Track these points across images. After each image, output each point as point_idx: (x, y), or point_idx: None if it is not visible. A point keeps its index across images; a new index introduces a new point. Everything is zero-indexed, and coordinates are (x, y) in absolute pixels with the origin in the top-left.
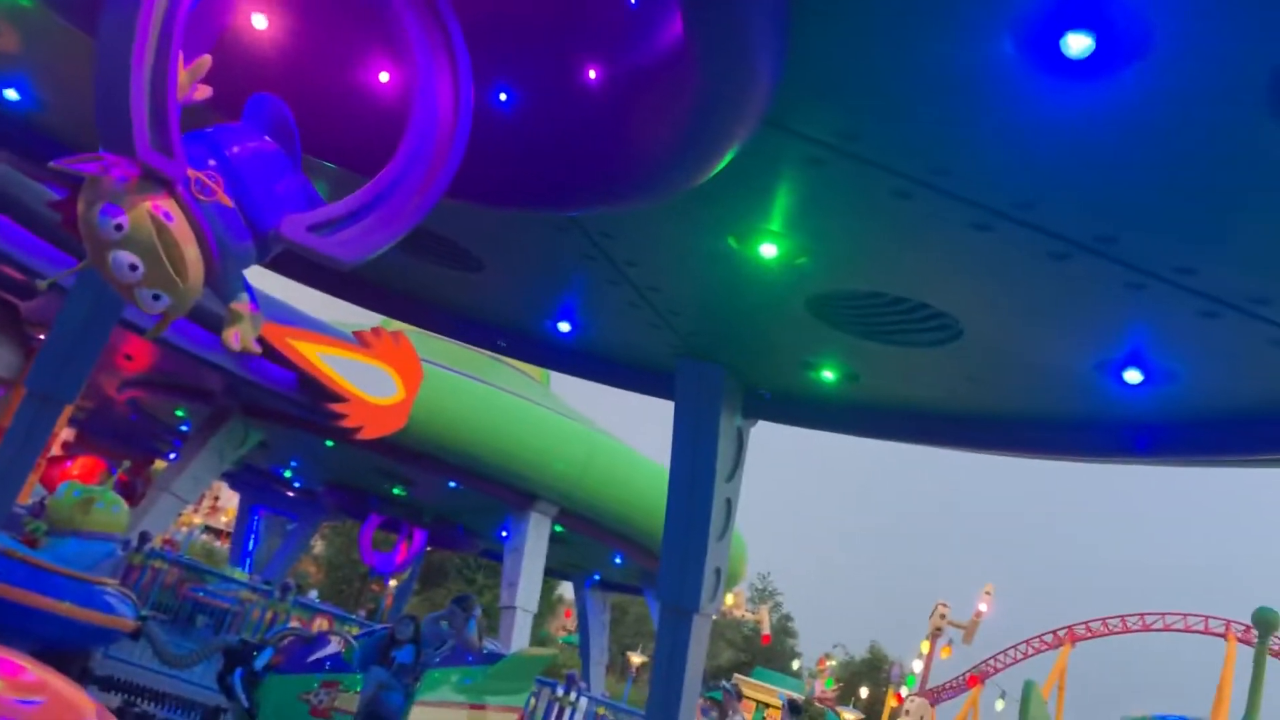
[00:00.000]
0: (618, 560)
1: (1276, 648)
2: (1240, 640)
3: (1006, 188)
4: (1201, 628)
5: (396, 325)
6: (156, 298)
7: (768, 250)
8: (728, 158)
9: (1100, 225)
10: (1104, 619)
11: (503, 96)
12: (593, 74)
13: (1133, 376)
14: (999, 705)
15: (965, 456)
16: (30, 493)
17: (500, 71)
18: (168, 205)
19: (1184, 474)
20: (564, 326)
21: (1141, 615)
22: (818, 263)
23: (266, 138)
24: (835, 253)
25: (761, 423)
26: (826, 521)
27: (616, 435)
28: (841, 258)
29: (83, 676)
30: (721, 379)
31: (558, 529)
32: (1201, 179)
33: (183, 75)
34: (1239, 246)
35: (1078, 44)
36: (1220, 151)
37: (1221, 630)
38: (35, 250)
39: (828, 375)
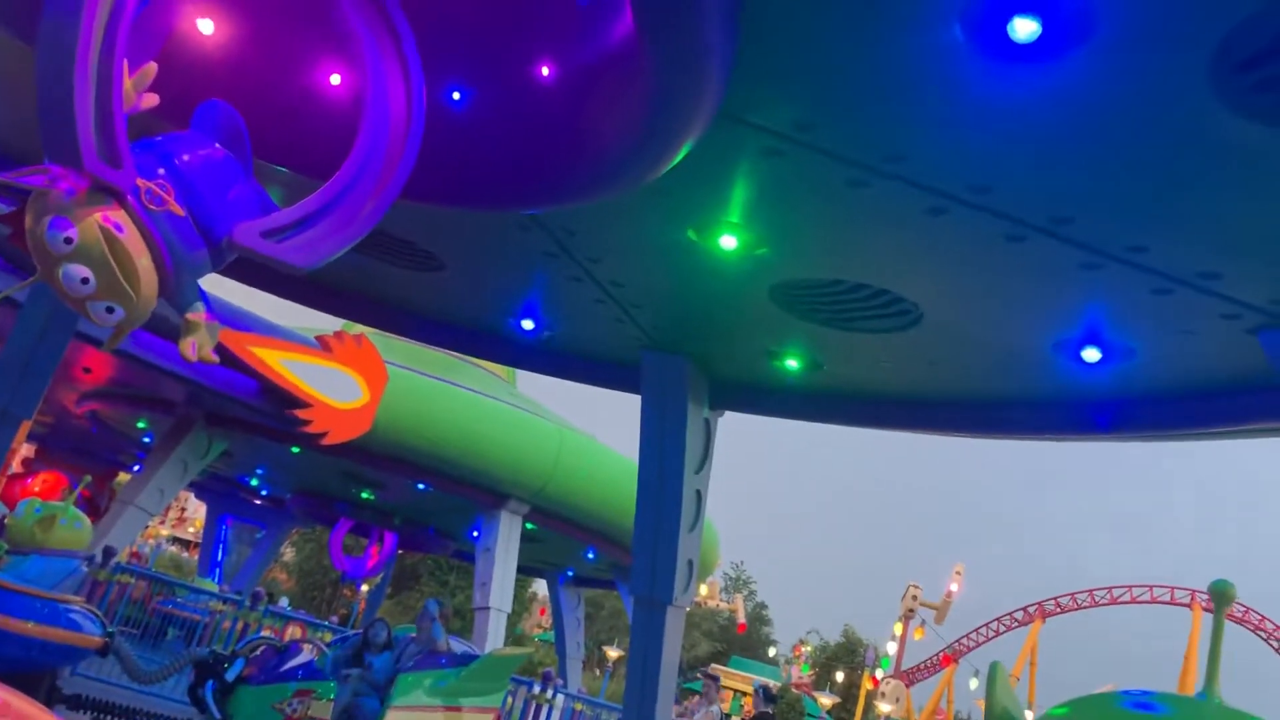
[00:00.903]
0: (590, 556)
1: (1239, 614)
2: (1205, 609)
3: (961, 173)
4: (1168, 599)
5: (359, 328)
6: (110, 310)
7: (727, 242)
8: (684, 151)
9: (1054, 207)
10: (1073, 594)
11: (456, 96)
12: (546, 71)
13: (1091, 355)
14: (973, 683)
15: (930, 439)
16: None
17: (452, 71)
18: (118, 216)
19: (1145, 448)
20: (528, 324)
21: (1109, 589)
22: (778, 252)
23: (216, 144)
24: (794, 242)
25: (729, 413)
26: (797, 509)
27: (585, 431)
28: (801, 247)
29: (50, 696)
30: (687, 371)
31: (529, 527)
32: (1150, 159)
33: (128, 84)
34: (1189, 224)
35: (1025, 28)
36: (1167, 131)
37: (1187, 601)
38: None
39: (792, 364)
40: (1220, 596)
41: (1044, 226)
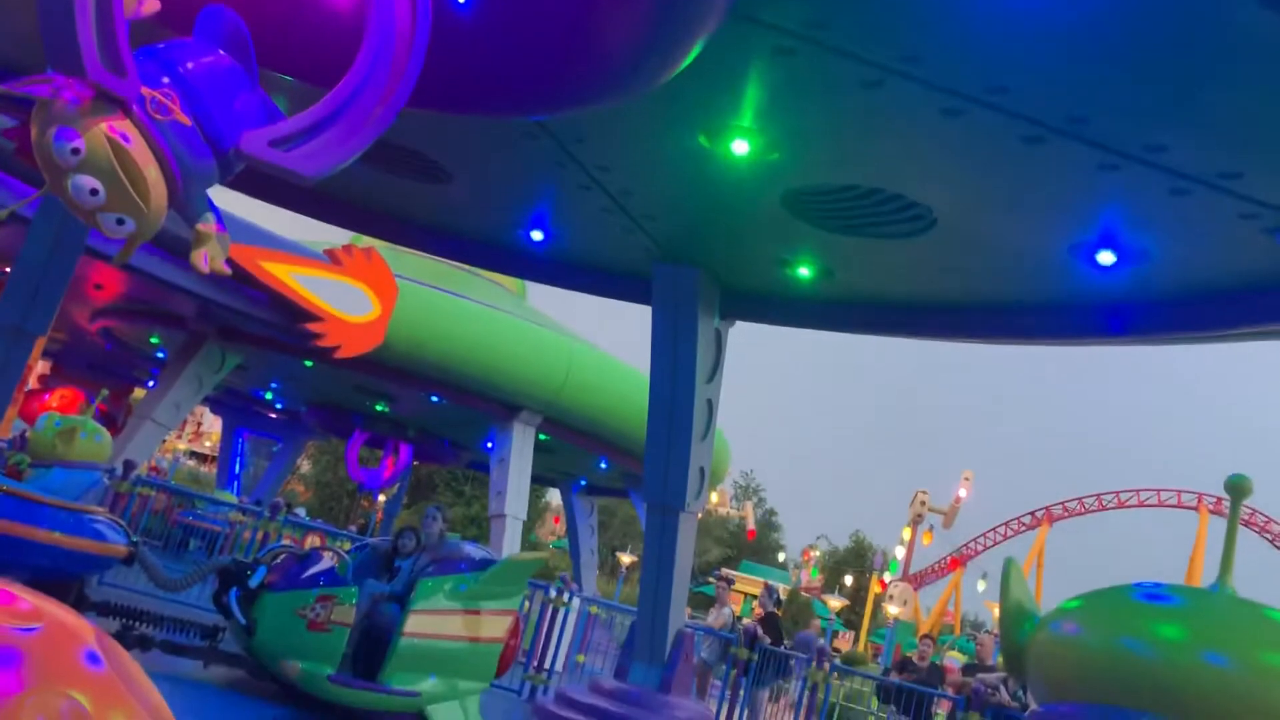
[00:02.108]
0: (603, 465)
1: (1245, 516)
2: (1212, 512)
3: (977, 72)
4: (1175, 502)
5: (368, 242)
6: (120, 222)
7: (739, 147)
8: (695, 52)
9: (1071, 106)
10: (1080, 498)
11: None
12: None
13: (1106, 258)
14: (980, 586)
15: (939, 346)
16: (9, 427)
17: None
18: (124, 126)
19: (1155, 355)
20: (537, 236)
21: (1116, 493)
22: (790, 158)
23: (221, 52)
24: (807, 147)
25: (739, 322)
26: (806, 417)
27: (595, 343)
28: (814, 151)
29: (79, 603)
30: (698, 281)
31: (542, 438)
32: (1170, 54)
33: None
34: (1209, 122)
35: None
36: (1188, 24)
37: (1194, 504)
38: None
39: (804, 272)
40: (1236, 490)
41: (1061, 127)
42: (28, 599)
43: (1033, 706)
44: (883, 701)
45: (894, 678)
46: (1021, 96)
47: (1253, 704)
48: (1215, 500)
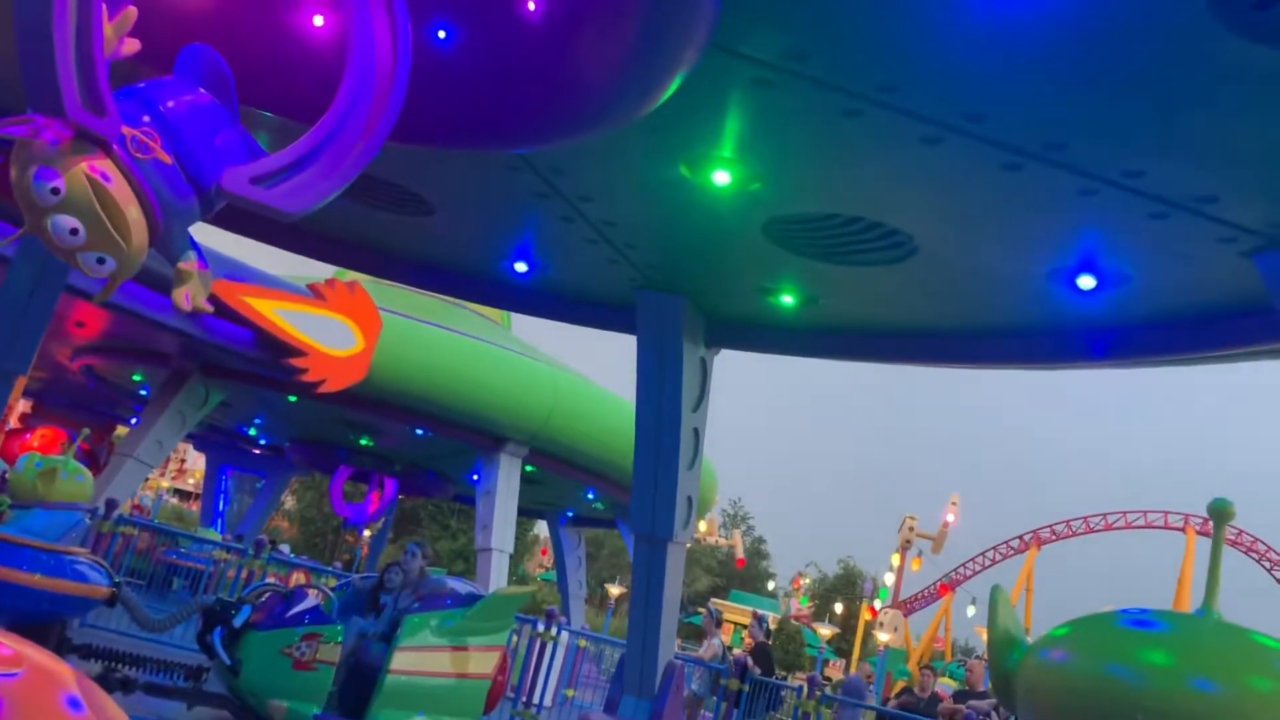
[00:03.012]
0: (590, 496)
1: (1232, 537)
2: (1199, 533)
3: (955, 100)
4: (1161, 523)
5: (351, 275)
6: (101, 261)
7: (720, 177)
8: (675, 84)
9: (1050, 133)
10: (1067, 521)
11: (442, 34)
12: (532, 5)
13: (1086, 282)
14: (970, 611)
15: (926, 372)
16: None
17: (438, 8)
18: (104, 165)
19: (1138, 375)
20: (521, 267)
21: (1104, 515)
22: (771, 187)
23: (201, 90)
24: (788, 176)
25: (724, 350)
26: (793, 443)
27: (581, 373)
28: (795, 180)
29: (60, 646)
30: (682, 309)
31: (528, 469)
32: (1147, 81)
33: (108, 29)
34: (1186, 147)
35: None
36: (1164, 52)
37: (1180, 525)
38: None
39: (787, 300)
40: (1219, 515)
41: (1040, 153)
42: (8, 644)
43: None
44: None
45: (893, 707)
46: (1000, 123)
47: None
48: (1202, 521)
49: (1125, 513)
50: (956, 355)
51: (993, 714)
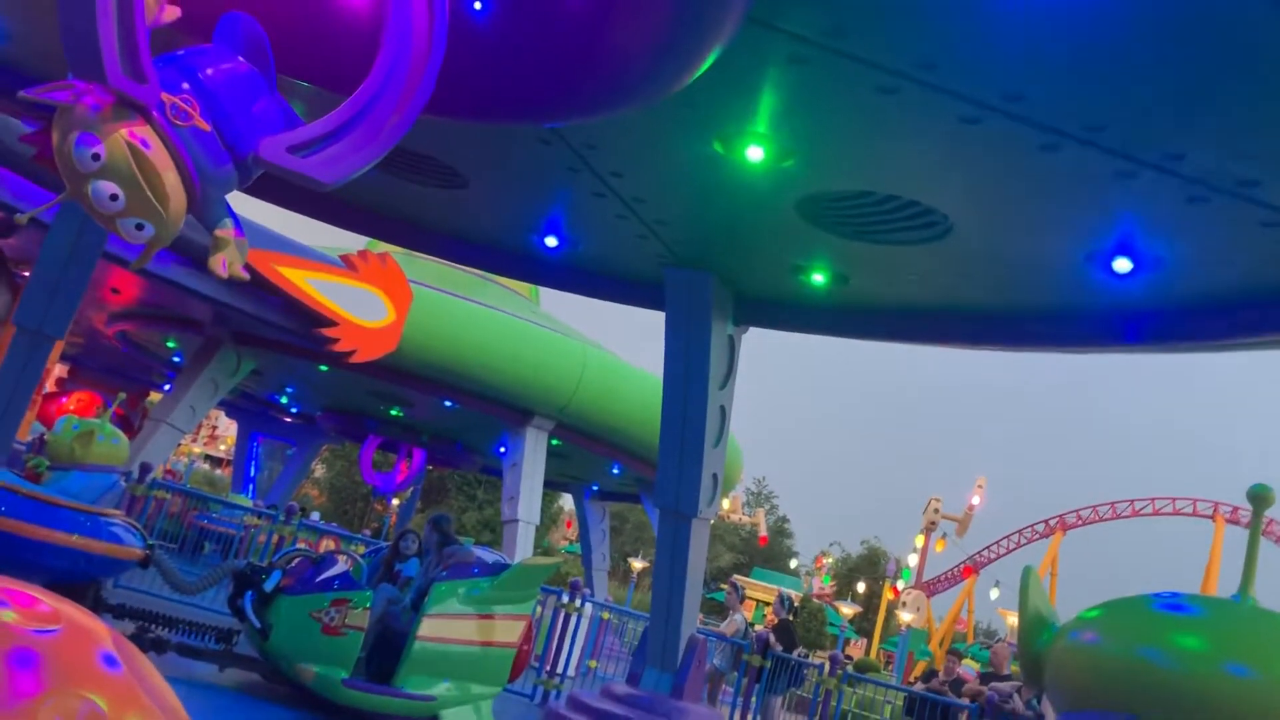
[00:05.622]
0: (615, 470)
1: (1264, 526)
2: (1228, 521)
3: (994, 80)
4: (1190, 510)
5: (383, 247)
6: (139, 227)
7: (754, 153)
8: (711, 58)
9: (1089, 114)
10: (1094, 506)
11: (478, 5)
12: None
13: (1122, 265)
14: (994, 594)
15: (956, 353)
16: (28, 430)
17: None
18: (144, 132)
19: (1170, 360)
20: (551, 241)
21: (1131, 501)
22: (805, 164)
23: (240, 59)
24: (823, 153)
25: (753, 329)
26: (819, 424)
27: (608, 349)
28: (829, 158)
29: (95, 606)
30: (711, 287)
31: (555, 443)
32: (1189, 62)
33: None
34: (1228, 130)
35: None
36: (1206, 32)
37: (1209, 512)
38: (11, 185)
39: (818, 279)
40: (1259, 499)
41: (1078, 134)
42: (47, 601)
43: (1049, 716)
44: (906, 713)
45: (919, 689)
46: (1038, 104)
47: (1276, 715)
48: (1231, 509)
49: (1153, 499)
50: (988, 337)
51: (1015, 695)
